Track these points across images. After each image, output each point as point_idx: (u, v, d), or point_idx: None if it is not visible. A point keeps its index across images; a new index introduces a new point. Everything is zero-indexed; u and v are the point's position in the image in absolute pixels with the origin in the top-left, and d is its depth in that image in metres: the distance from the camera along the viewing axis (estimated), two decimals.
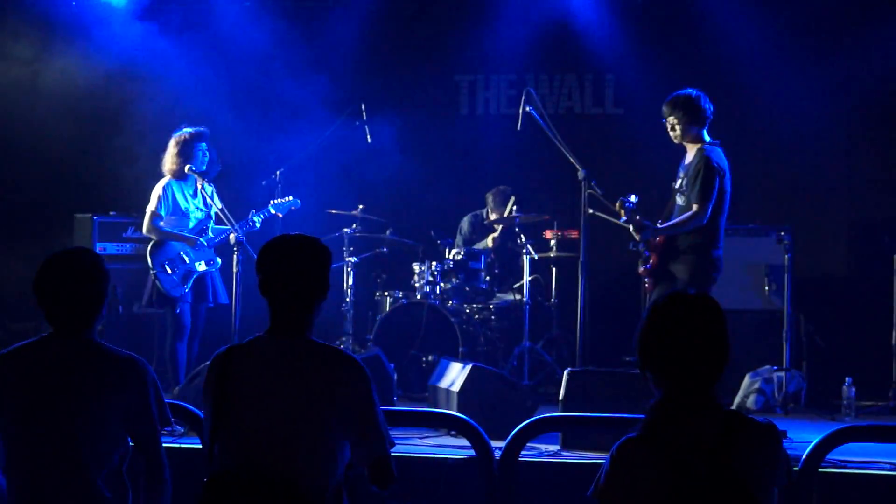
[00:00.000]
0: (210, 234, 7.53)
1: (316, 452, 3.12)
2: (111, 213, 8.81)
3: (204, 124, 7.57)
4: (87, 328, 3.48)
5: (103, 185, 9.35)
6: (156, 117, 8.61)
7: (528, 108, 7.33)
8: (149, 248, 7.49)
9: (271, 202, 7.72)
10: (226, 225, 7.44)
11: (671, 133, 6.46)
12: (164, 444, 3.51)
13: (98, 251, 8.37)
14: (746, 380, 7.66)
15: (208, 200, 7.49)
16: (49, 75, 9.14)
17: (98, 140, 9.41)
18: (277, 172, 8.03)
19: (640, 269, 6.51)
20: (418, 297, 8.40)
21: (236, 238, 7.32)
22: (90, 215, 8.69)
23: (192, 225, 7.49)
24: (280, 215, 7.70)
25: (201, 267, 7.47)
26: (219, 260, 7.59)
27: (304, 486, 3.07)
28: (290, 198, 7.77)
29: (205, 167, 7.47)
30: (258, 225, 7.50)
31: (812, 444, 4.72)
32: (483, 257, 8.51)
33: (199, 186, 7.50)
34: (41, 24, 8.75)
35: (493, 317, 8.53)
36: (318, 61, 9.13)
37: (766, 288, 8.11)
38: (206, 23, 9.17)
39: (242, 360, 3.19)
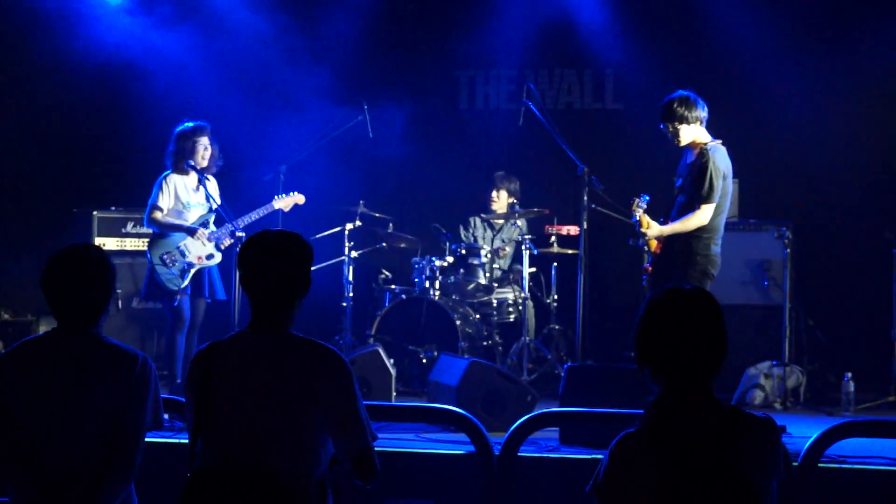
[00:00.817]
0: (211, 229, 7.53)
1: (298, 446, 3.11)
2: (111, 208, 8.81)
3: (205, 118, 7.56)
4: (93, 324, 3.48)
5: (102, 180, 9.35)
6: (155, 111, 8.61)
7: (528, 104, 7.33)
8: (148, 241, 7.50)
9: (275, 197, 7.72)
10: (226, 220, 7.44)
11: (671, 139, 6.45)
12: (163, 440, 3.49)
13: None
14: (746, 375, 7.66)
15: (209, 195, 7.49)
16: (46, 69, 9.12)
17: (97, 135, 9.41)
18: (280, 168, 8.02)
19: (646, 264, 6.52)
20: (418, 292, 8.40)
21: (236, 233, 7.31)
22: (90, 210, 8.69)
23: (192, 219, 7.49)
24: (285, 209, 7.71)
25: (200, 261, 7.47)
26: (218, 255, 7.59)
27: (286, 481, 3.07)
28: (294, 193, 7.77)
29: (206, 162, 7.46)
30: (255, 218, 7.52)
31: (811, 440, 4.73)
32: (483, 253, 8.50)
33: (201, 181, 7.49)
34: (38, 17, 8.72)
35: (492, 312, 8.54)
36: (319, 54, 9.11)
37: (766, 283, 8.11)
38: (206, 14, 9.15)
39: (224, 356, 3.19)
